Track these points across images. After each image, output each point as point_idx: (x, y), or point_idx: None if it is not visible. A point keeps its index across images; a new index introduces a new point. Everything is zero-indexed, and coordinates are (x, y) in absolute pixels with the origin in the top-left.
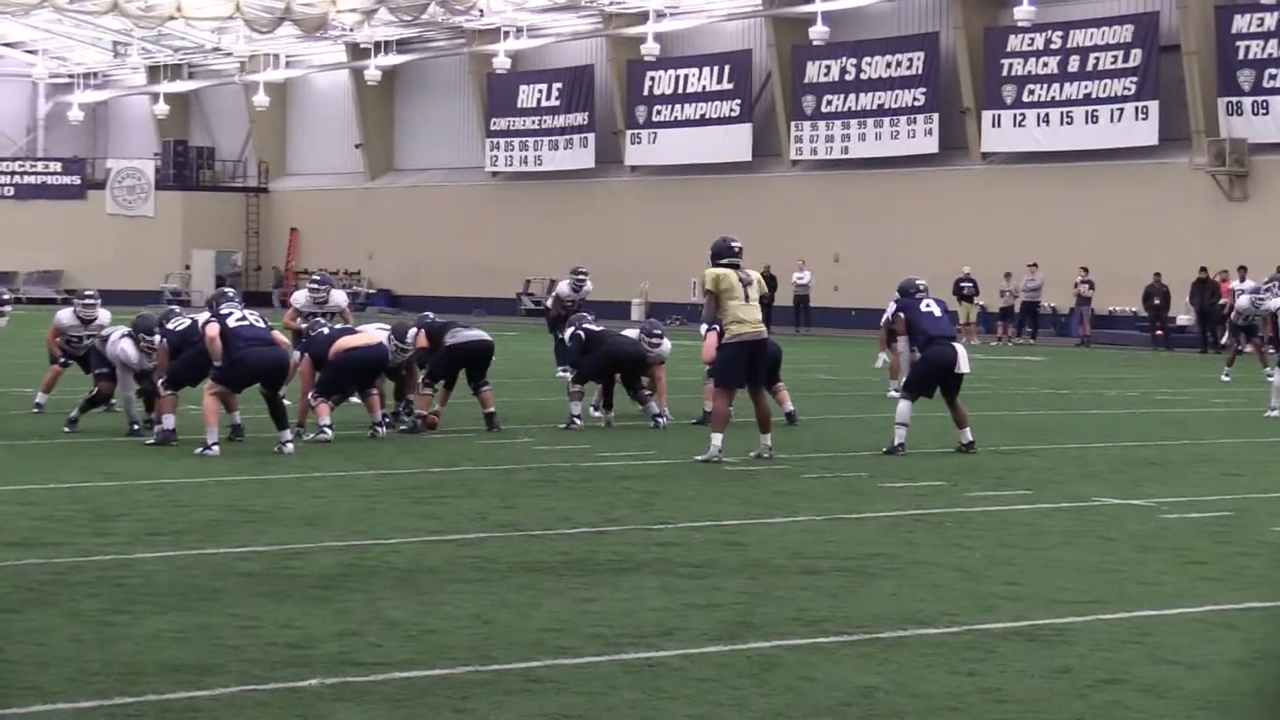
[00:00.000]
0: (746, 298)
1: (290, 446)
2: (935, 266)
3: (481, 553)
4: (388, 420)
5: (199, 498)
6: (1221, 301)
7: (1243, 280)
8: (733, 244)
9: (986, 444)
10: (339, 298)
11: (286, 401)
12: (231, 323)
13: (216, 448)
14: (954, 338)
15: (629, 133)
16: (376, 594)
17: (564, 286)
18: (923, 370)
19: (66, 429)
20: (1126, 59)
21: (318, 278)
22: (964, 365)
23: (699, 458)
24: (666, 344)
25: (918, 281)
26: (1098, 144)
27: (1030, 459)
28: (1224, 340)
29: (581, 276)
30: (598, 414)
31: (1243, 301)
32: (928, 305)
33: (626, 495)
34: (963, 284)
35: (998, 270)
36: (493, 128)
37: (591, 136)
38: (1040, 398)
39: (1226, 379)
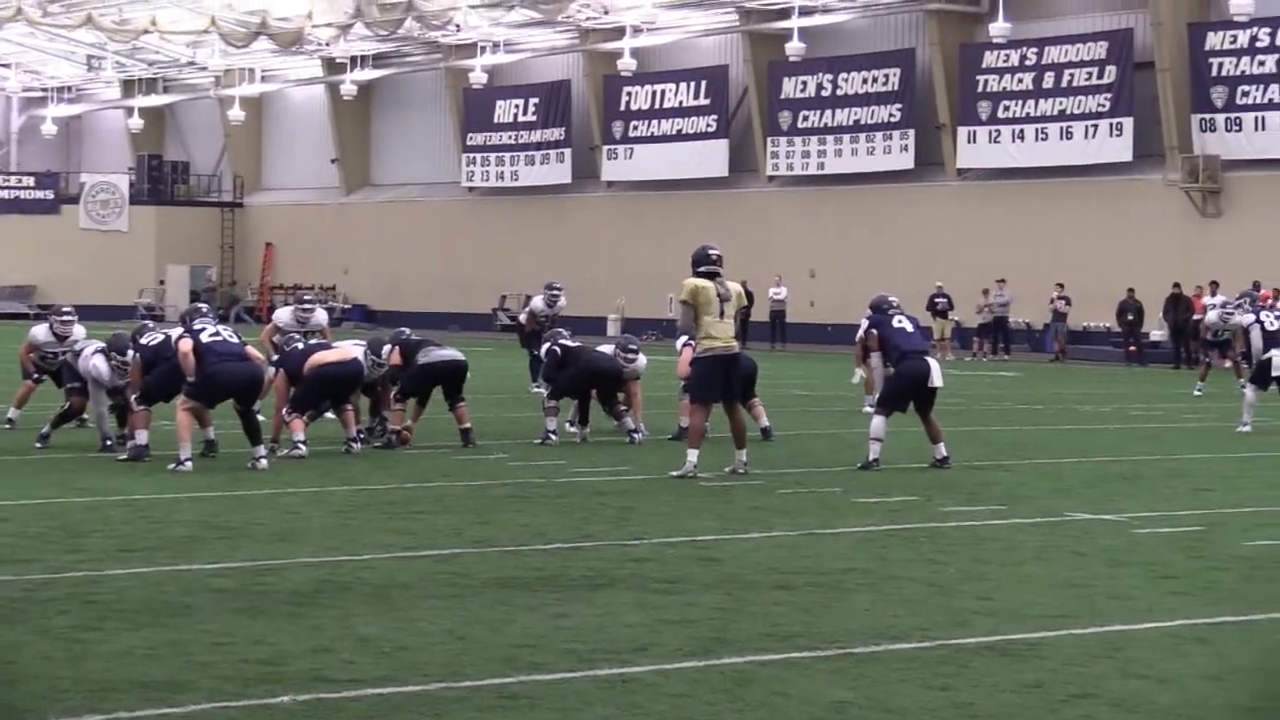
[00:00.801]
0: (722, 314)
1: (264, 462)
2: (911, 282)
3: (455, 568)
4: (362, 436)
5: (171, 514)
6: (1195, 317)
7: (1214, 295)
8: (711, 252)
9: (960, 459)
10: (320, 317)
11: (260, 417)
12: (205, 338)
13: (190, 463)
14: (927, 352)
15: (605, 148)
16: (350, 610)
17: (538, 302)
18: (896, 385)
19: (38, 444)
20: (1101, 75)
21: (309, 298)
22: (937, 380)
23: (674, 473)
24: (642, 359)
25: (890, 298)
26: (1072, 160)
27: (1004, 474)
28: (1199, 356)
29: (555, 292)
30: (573, 429)
31: (1211, 316)
32: (900, 321)
33: (601, 511)
34: (937, 299)
35: (973, 286)
36: (469, 143)
37: (568, 152)
38: (1014, 413)
39: (1199, 393)
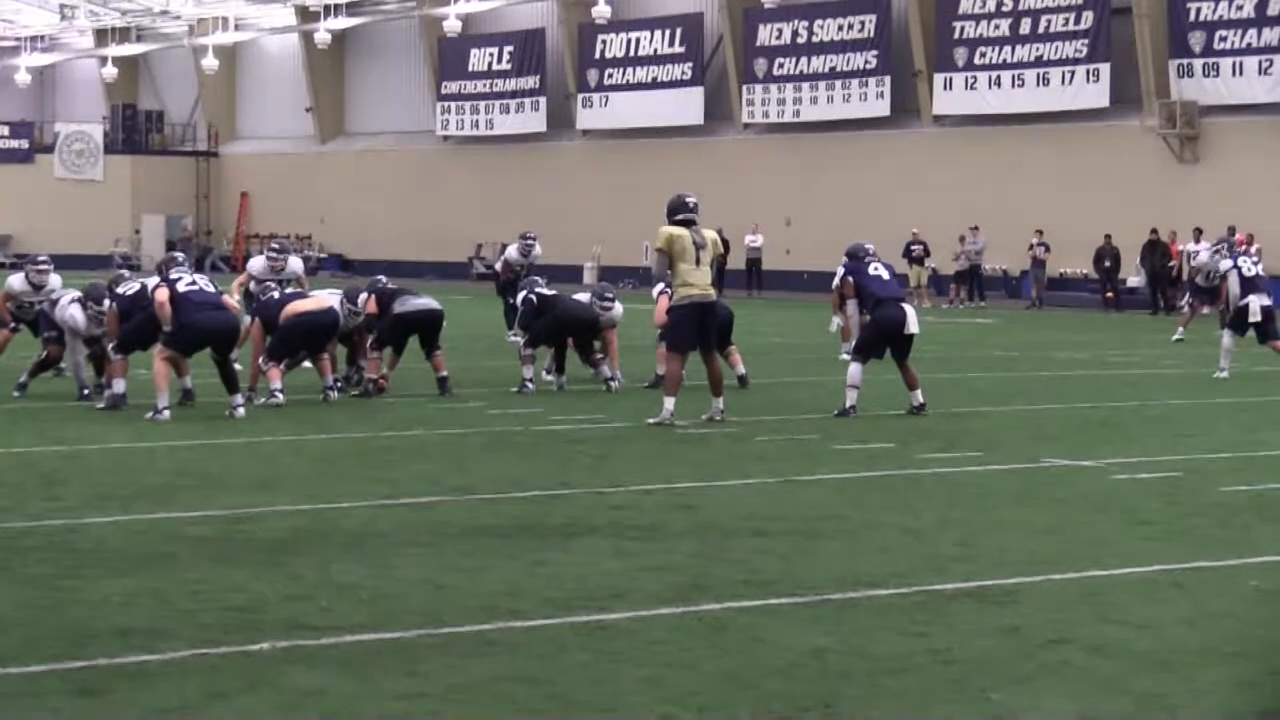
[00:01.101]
0: (698, 261)
1: (241, 411)
2: (887, 229)
3: (433, 517)
4: (339, 384)
5: (149, 462)
6: (1171, 264)
7: (1198, 242)
8: (688, 200)
9: (937, 406)
10: (296, 265)
11: (237, 366)
12: (181, 287)
13: (167, 412)
14: (902, 299)
15: (580, 96)
16: (328, 558)
17: (512, 251)
18: (872, 332)
19: (15, 394)
20: (1078, 21)
21: (276, 246)
22: (913, 326)
23: (651, 421)
24: (618, 308)
25: (866, 245)
26: (1049, 106)
27: (981, 421)
28: (1184, 301)
29: (530, 241)
30: (550, 378)
31: (1203, 256)
32: (875, 268)
33: (579, 459)
34: (913, 246)
35: (950, 233)
36: (444, 91)
37: (543, 100)
38: (991, 360)
39: (1179, 339)
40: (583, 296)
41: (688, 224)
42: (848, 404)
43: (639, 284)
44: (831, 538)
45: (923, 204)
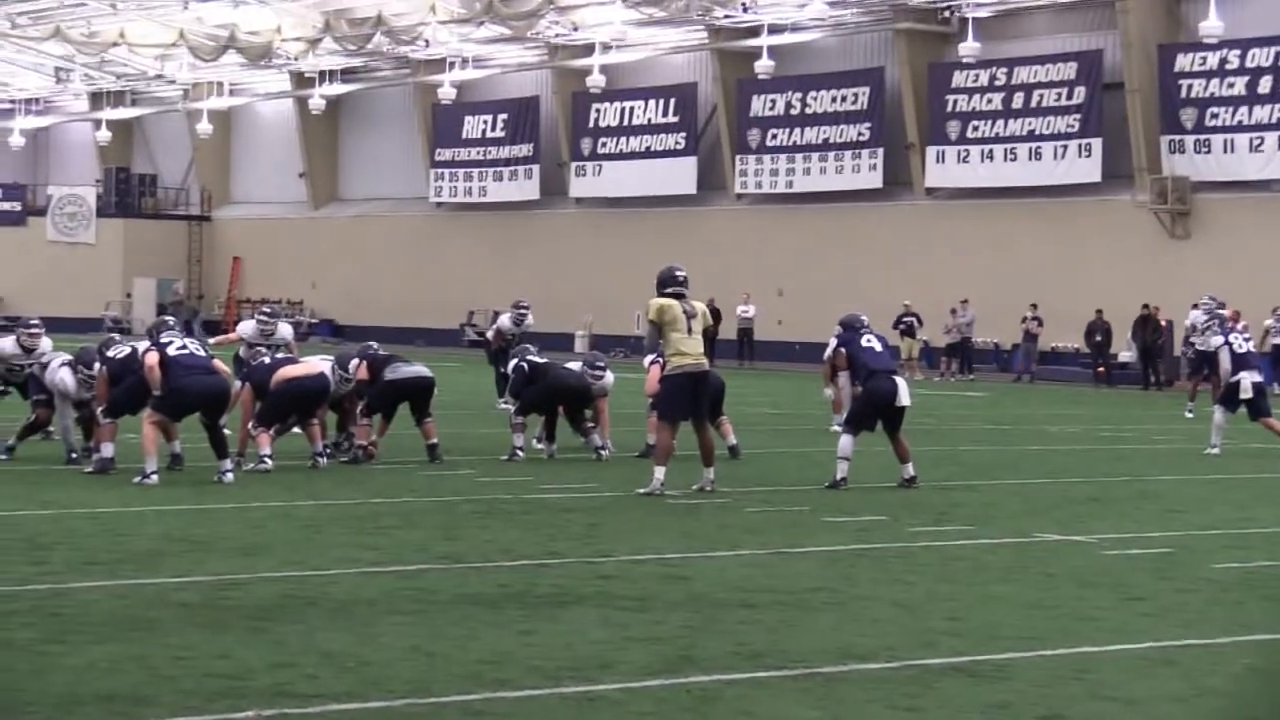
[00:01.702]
0: (689, 330)
1: (230, 476)
2: (879, 301)
3: (421, 584)
4: (329, 451)
5: (137, 527)
6: (1162, 341)
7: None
8: (678, 273)
9: (929, 479)
10: (285, 331)
11: (227, 431)
12: (172, 351)
13: (155, 477)
14: (894, 372)
15: (574, 164)
16: (314, 625)
17: (505, 320)
18: (864, 404)
19: (3, 456)
20: (1070, 96)
21: (268, 310)
22: (905, 399)
23: (641, 490)
24: (609, 376)
25: (861, 316)
26: (1041, 180)
27: (972, 494)
28: (1184, 376)
29: (523, 310)
30: (540, 446)
31: (1196, 315)
32: (869, 340)
33: (568, 527)
34: (904, 319)
35: (942, 305)
36: (437, 158)
37: (536, 168)
38: (982, 433)
39: (1190, 415)
40: (574, 365)
41: (678, 296)
42: (838, 476)
43: (630, 353)
44: (822, 610)
45: (915, 276)
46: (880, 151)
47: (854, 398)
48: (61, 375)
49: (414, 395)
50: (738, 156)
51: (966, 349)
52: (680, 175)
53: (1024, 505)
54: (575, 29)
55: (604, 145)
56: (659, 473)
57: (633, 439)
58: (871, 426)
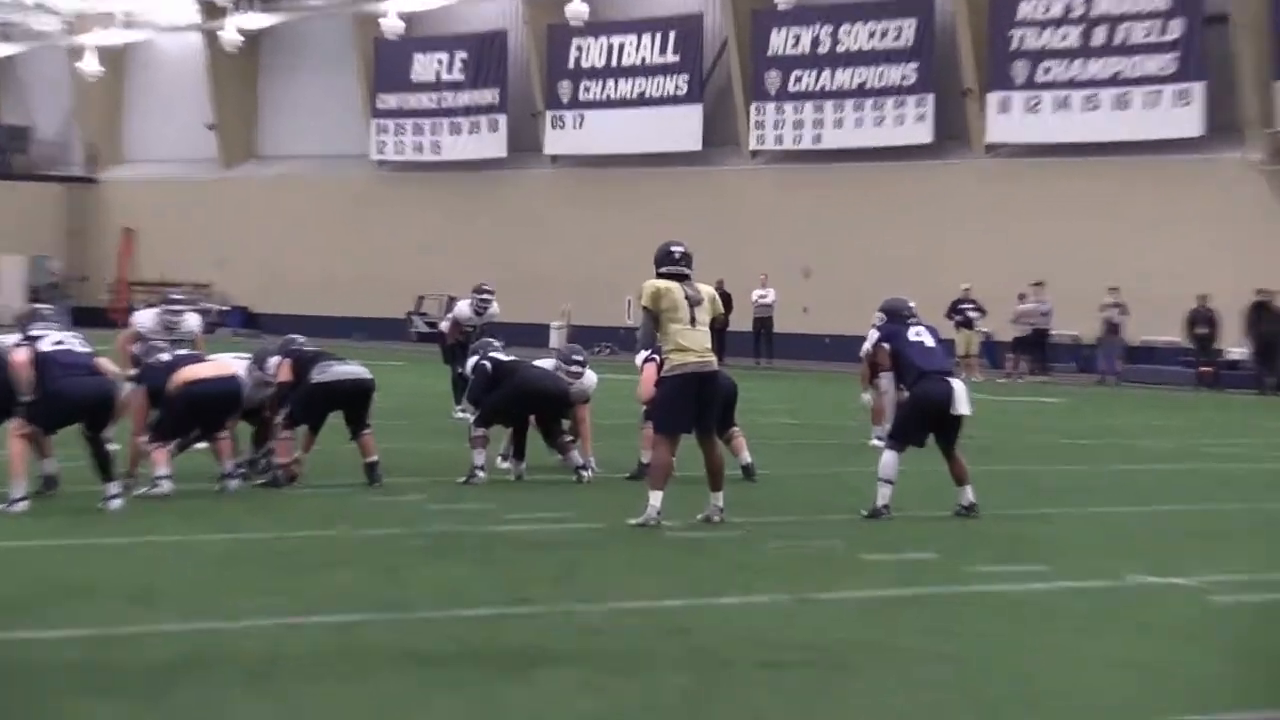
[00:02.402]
0: (693, 320)
1: (117, 503)
2: (929, 284)
3: (357, 640)
4: (242, 471)
5: (1, 567)
6: None
7: None
8: (675, 250)
9: (991, 506)
10: (191, 322)
11: (114, 446)
12: (46, 347)
13: (24, 503)
14: (950, 372)
15: (550, 114)
16: (223, 691)
17: (464, 308)
18: (912, 413)
19: None
20: (1164, 31)
21: (177, 296)
22: (963, 406)
23: (633, 521)
24: (591, 377)
25: (907, 303)
26: (1129, 135)
27: (1045, 526)
28: None
29: (486, 296)
30: (506, 465)
31: None
32: (918, 333)
33: (541, 568)
34: (962, 306)
35: (1007, 290)
36: (380, 106)
37: (503, 119)
38: (1058, 449)
39: None
40: (548, 363)
41: (678, 278)
42: (879, 502)
43: (619, 348)
44: (858, 672)
45: (974, 253)
46: (930, 99)
47: (899, 404)
48: None
49: (349, 400)
50: (753, 105)
51: (1040, 343)
52: (682, 128)
53: (1109, 539)
54: None
55: (587, 91)
56: (655, 499)
57: (622, 457)
58: (921, 441)
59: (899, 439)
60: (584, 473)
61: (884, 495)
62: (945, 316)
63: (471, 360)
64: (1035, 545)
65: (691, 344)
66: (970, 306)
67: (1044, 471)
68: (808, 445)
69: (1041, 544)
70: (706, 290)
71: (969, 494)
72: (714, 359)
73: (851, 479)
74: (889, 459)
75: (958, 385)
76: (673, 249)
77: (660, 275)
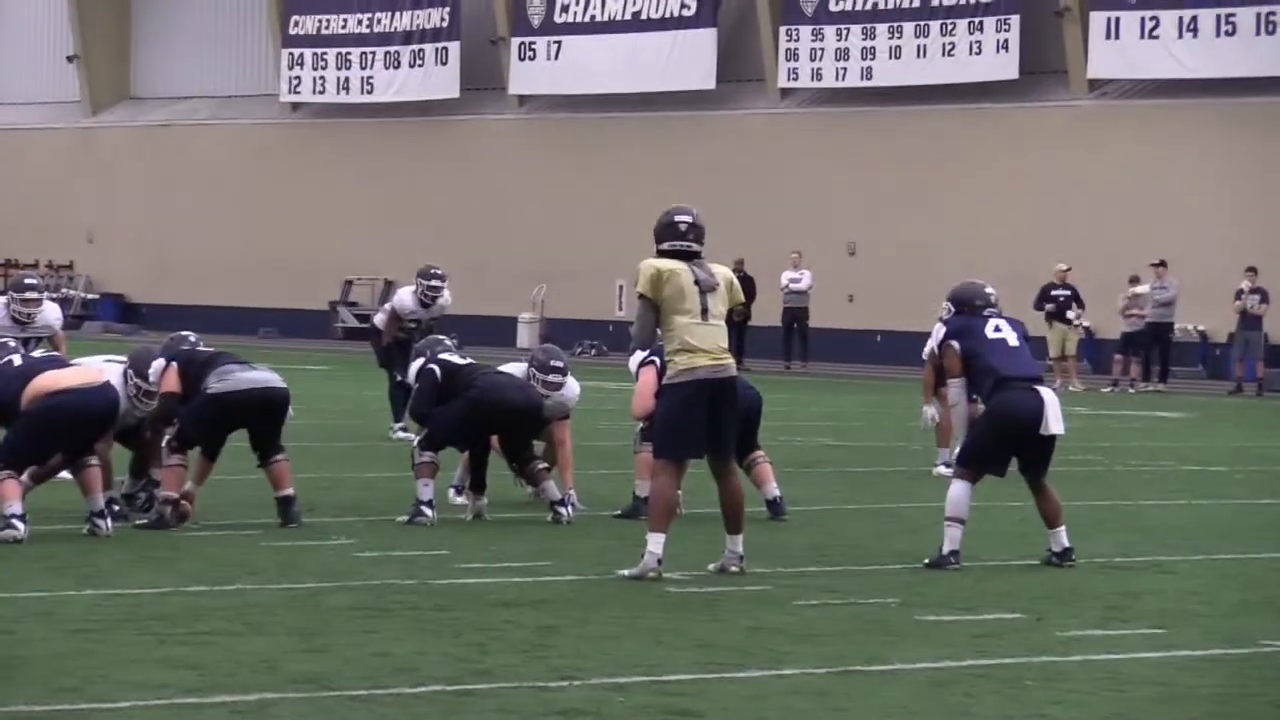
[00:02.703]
0: (705, 311)
1: None
2: (1010, 264)
3: None
4: (117, 508)
5: None
6: None
7: None
8: (681, 220)
9: (1091, 551)
10: (50, 315)
11: None
12: None
13: None
14: (1038, 379)
15: (516, 42)
16: None
17: (405, 297)
18: (989, 432)
19: None
20: None
21: (31, 281)
22: (1055, 424)
23: (626, 573)
24: (573, 387)
25: (983, 289)
26: (1274, 69)
27: (1162, 577)
28: None
29: (436, 283)
30: (461, 500)
31: None
32: (997, 328)
33: (507, 633)
34: (1056, 293)
35: (1114, 272)
36: (292, 32)
37: (454, 48)
38: (1179, 478)
39: None
40: (515, 368)
41: (686, 256)
42: (946, 548)
43: (608, 347)
44: None
45: (1071, 223)
46: (1014, 22)
47: (972, 421)
48: None
49: (255, 417)
50: (783, 30)
51: (1159, 341)
52: (690, 60)
53: (1246, 594)
54: None
55: (564, 12)
56: (654, 544)
57: (611, 489)
58: (1000, 468)
59: (972, 466)
60: (562, 510)
61: (952, 539)
62: (1035, 307)
63: (416, 364)
64: (1148, 602)
65: (702, 343)
66: (1067, 294)
67: (1160, 508)
68: (854, 474)
69: (1156, 601)
70: (722, 273)
71: (1063, 537)
72: (732, 362)
73: (911, 517)
74: (959, 492)
75: (1049, 396)
76: (678, 219)
77: (662, 253)
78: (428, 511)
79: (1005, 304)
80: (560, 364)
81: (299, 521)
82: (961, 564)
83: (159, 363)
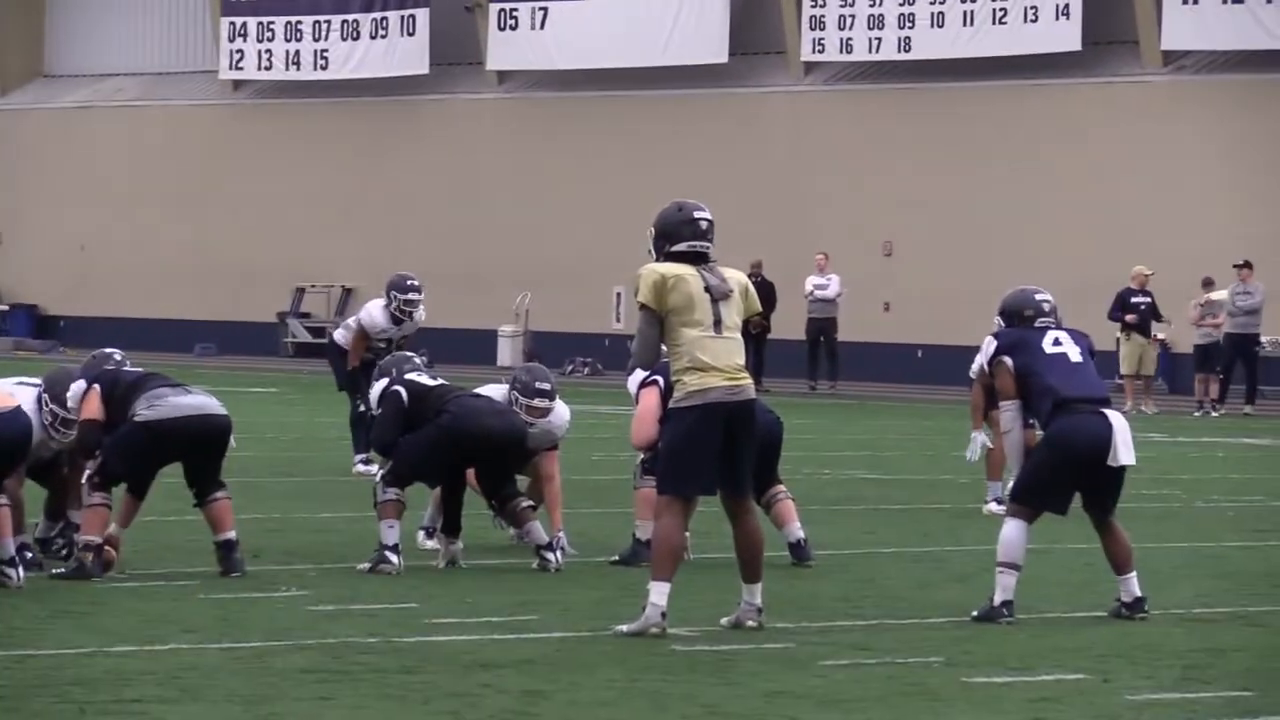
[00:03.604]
0: (717, 323)
1: None
2: (1074, 267)
3: None
4: (30, 554)
5: None
6: None
7: None
8: (701, 217)
9: (1167, 600)
10: None
11: None
12: None
13: None
14: (1105, 401)
15: (494, 9)
16: None
17: (375, 312)
18: (1047, 462)
19: None
20: None
21: None
22: (1125, 454)
23: (625, 628)
24: (561, 411)
25: (1037, 298)
26: None
27: (1248, 630)
28: None
29: (414, 296)
30: (431, 544)
31: None
32: (1056, 342)
33: (485, 699)
34: (1136, 300)
35: (1193, 276)
36: None
37: (423, 16)
38: (1269, 515)
39: None
40: (495, 390)
41: (695, 259)
42: (998, 598)
43: (604, 365)
44: None
45: (1143, 220)
46: None
47: (1028, 449)
48: None
49: (190, 450)
50: None
51: (1249, 355)
52: (698, 30)
53: None
54: None
55: None
56: (657, 593)
57: (607, 531)
58: (1062, 506)
59: (1028, 503)
60: (550, 555)
61: (1005, 587)
62: (1110, 317)
63: (378, 386)
64: (1232, 661)
65: (716, 359)
66: (1146, 302)
67: (1247, 550)
68: (891, 512)
69: (1241, 659)
70: (736, 278)
71: (1134, 585)
72: (749, 383)
73: (957, 563)
74: (1013, 533)
75: (1117, 421)
76: (696, 215)
77: (669, 256)
78: (392, 558)
79: (1068, 312)
80: (547, 386)
81: (242, 570)
82: (1015, 616)
83: (79, 385)
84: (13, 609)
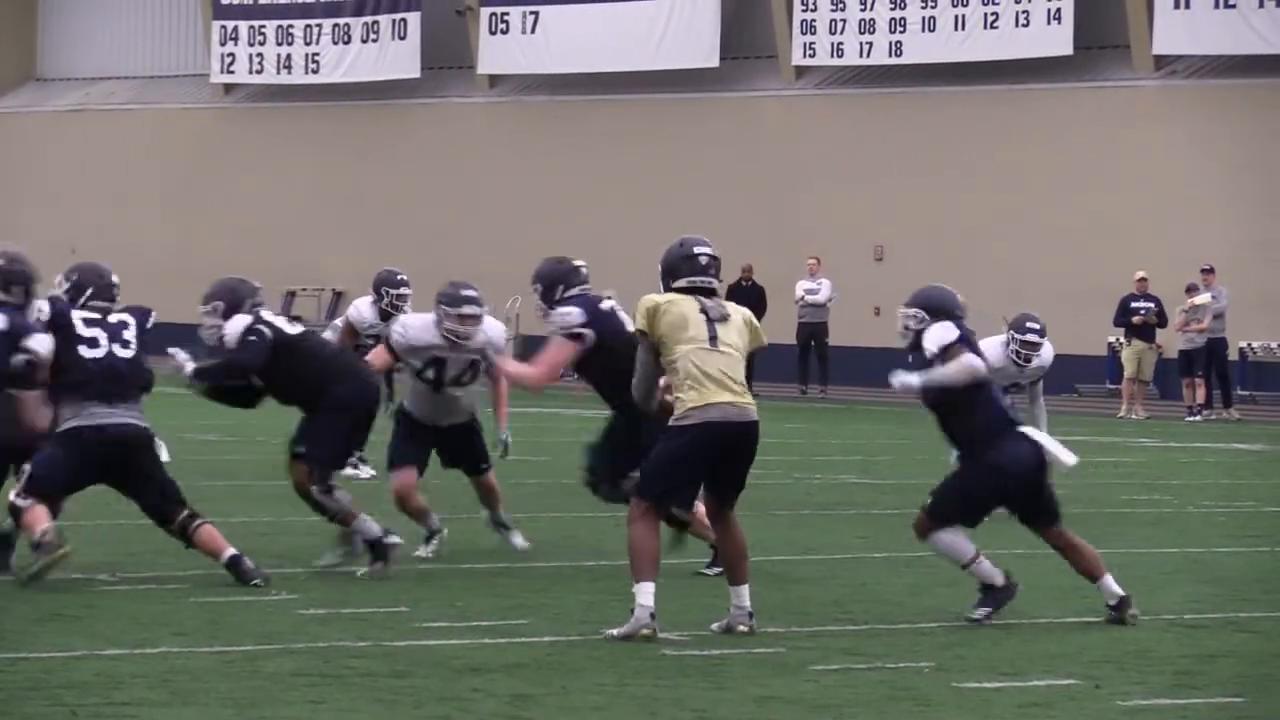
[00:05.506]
0: (713, 339)
1: None
2: (1067, 271)
3: None
4: None
5: None
6: None
7: None
8: (702, 252)
9: (1156, 605)
10: None
11: None
12: None
13: None
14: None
15: (485, 13)
16: None
17: (364, 309)
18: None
19: None
20: None
21: None
22: (1062, 458)
23: (615, 632)
24: (494, 324)
25: (949, 294)
26: None
27: (1239, 636)
28: None
29: (404, 291)
30: (423, 551)
31: None
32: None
33: (475, 703)
34: (1136, 305)
35: (1184, 281)
36: (225, 2)
37: (414, 20)
38: (1260, 521)
39: None
40: (421, 319)
41: (700, 292)
42: (999, 581)
43: None
44: None
45: (1137, 224)
46: None
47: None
48: None
49: (111, 462)
50: (797, 1)
51: (1218, 357)
52: (689, 34)
53: None
54: None
55: None
56: (643, 594)
57: (597, 534)
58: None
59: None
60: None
61: (987, 573)
62: (1115, 323)
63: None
64: (1223, 667)
65: (713, 372)
66: (1150, 307)
67: (1237, 556)
68: (882, 516)
69: (1233, 665)
70: (740, 312)
71: (1112, 586)
72: (752, 404)
73: (948, 567)
74: (948, 537)
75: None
76: (698, 250)
77: (673, 289)
78: (380, 564)
79: (1060, 316)
80: (473, 292)
81: (261, 576)
82: (993, 620)
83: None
84: (3, 612)
